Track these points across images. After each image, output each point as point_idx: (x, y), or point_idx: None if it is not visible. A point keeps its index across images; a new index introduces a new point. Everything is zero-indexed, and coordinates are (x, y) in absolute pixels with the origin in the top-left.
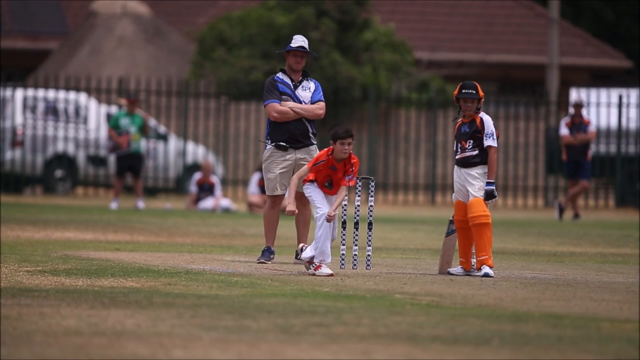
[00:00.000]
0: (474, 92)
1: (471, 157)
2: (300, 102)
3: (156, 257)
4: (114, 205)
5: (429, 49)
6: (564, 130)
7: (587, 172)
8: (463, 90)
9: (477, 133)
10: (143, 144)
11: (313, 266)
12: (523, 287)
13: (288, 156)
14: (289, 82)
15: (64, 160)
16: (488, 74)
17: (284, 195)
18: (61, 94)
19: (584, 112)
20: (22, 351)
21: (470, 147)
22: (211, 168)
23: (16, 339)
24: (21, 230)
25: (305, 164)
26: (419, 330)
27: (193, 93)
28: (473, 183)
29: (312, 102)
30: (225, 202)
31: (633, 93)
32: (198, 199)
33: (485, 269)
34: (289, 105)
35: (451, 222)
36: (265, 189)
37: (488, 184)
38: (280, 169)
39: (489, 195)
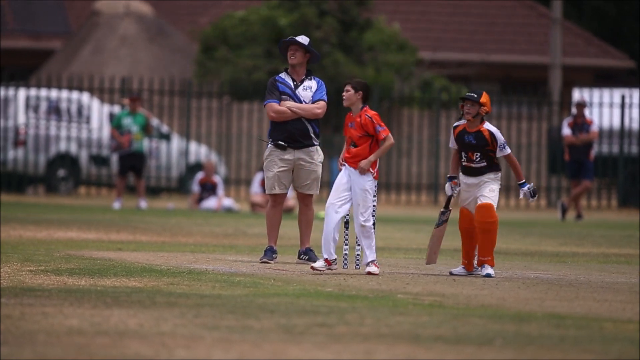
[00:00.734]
0: (475, 95)
1: (479, 168)
2: (301, 102)
3: (159, 256)
4: (116, 204)
5: (431, 49)
6: (566, 130)
7: (590, 172)
8: (467, 93)
9: (486, 146)
10: (146, 144)
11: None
12: (526, 288)
13: (287, 156)
14: (290, 82)
15: (67, 160)
16: (490, 74)
17: (285, 194)
18: (64, 94)
19: (586, 112)
20: (25, 351)
21: (478, 159)
22: (213, 167)
23: (19, 339)
24: (24, 230)
25: (304, 164)
26: (422, 330)
27: (196, 93)
28: (484, 188)
29: (313, 102)
30: (227, 202)
31: (636, 93)
32: (200, 199)
33: (487, 269)
34: (287, 104)
35: (442, 213)
36: (265, 187)
37: (522, 185)
38: (279, 168)
39: (533, 193)
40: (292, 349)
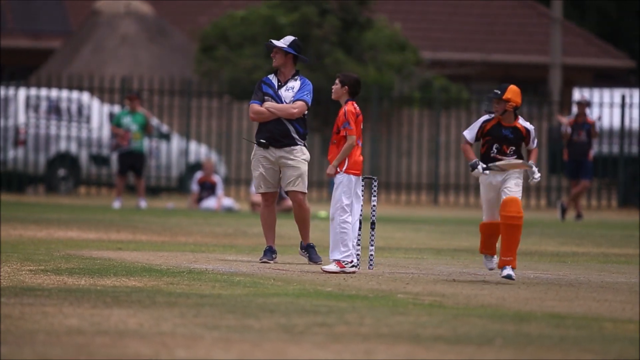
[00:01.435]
0: (499, 92)
1: None
2: (282, 102)
3: (159, 256)
4: (116, 204)
5: (431, 49)
6: (565, 127)
7: (589, 171)
8: (494, 90)
9: (521, 141)
10: (145, 144)
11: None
12: (525, 287)
13: (270, 155)
14: (275, 82)
15: (67, 160)
16: (490, 73)
17: (274, 193)
18: (64, 93)
19: (587, 111)
20: (25, 350)
21: (512, 153)
22: (213, 166)
23: (18, 338)
24: (24, 229)
25: (287, 162)
26: (422, 330)
27: (196, 92)
28: (509, 181)
29: (293, 102)
30: (228, 202)
31: (636, 93)
32: (200, 198)
33: (508, 270)
34: (265, 105)
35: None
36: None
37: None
38: (263, 167)
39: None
40: (292, 349)
